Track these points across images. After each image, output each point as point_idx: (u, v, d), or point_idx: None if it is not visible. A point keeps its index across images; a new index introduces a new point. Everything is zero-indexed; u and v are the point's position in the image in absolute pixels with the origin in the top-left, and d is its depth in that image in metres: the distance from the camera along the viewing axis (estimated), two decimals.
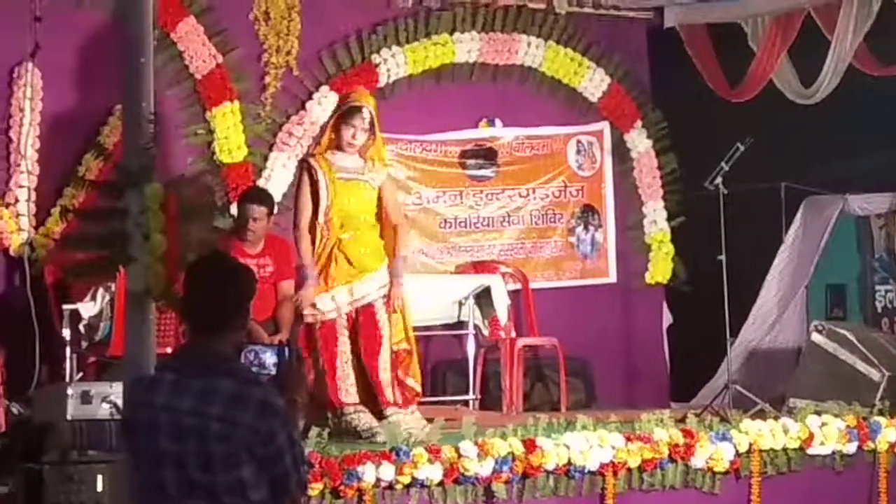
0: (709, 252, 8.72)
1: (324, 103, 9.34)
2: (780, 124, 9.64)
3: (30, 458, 5.92)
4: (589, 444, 6.93)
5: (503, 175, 10.14)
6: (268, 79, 9.23)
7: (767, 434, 7.49)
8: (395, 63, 9.60)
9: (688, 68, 10.16)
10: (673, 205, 10.60)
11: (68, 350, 7.68)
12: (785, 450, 7.57)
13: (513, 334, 9.10)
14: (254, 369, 4.10)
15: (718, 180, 8.61)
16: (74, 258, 6.16)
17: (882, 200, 10.08)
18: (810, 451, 7.64)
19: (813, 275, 10.41)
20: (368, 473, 6.27)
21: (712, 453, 7.27)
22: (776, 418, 7.80)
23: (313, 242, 7.24)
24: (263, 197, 8.31)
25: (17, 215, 8.26)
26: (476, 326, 8.91)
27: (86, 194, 8.22)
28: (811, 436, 7.62)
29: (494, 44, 9.98)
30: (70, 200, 8.34)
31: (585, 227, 10.41)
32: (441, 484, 6.53)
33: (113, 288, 7.51)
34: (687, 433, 7.26)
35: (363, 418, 7.11)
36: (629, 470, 7.06)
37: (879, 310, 10.22)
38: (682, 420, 7.62)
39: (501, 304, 8.89)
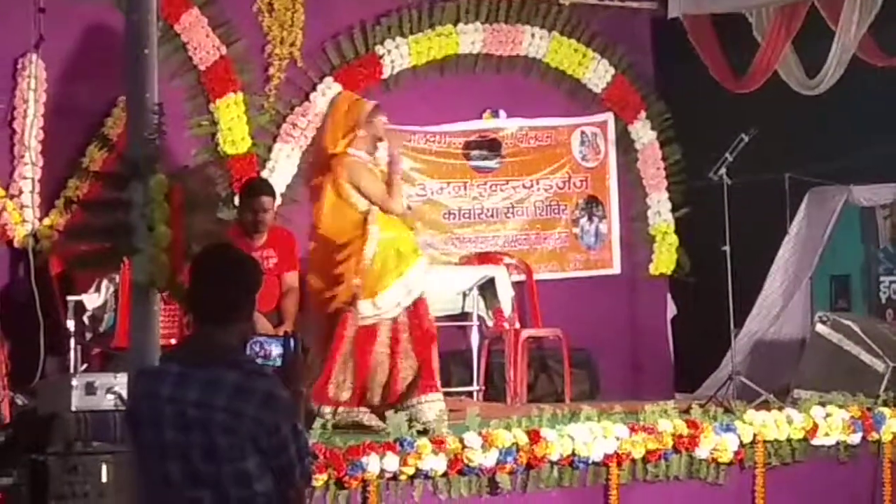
0: (713, 243, 8.71)
1: (328, 94, 9.33)
2: (784, 115, 9.62)
3: (34, 449, 5.92)
4: (593, 434, 6.93)
5: (507, 166, 10.13)
6: (272, 70, 9.22)
7: (772, 425, 7.50)
8: (398, 54, 9.59)
9: (692, 59, 10.14)
10: (677, 196, 10.59)
11: (73, 341, 7.68)
12: (789, 441, 7.58)
13: (517, 325, 9.10)
14: (259, 360, 4.10)
15: (722, 171, 8.61)
16: (79, 249, 6.15)
17: (887, 191, 10.06)
18: (814, 441, 7.65)
19: (817, 266, 10.40)
20: (373, 464, 6.28)
21: (716, 444, 7.28)
22: (780, 409, 7.80)
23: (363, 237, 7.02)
24: (267, 188, 8.33)
25: (22, 207, 8.26)
26: (480, 317, 8.90)
27: (90, 185, 8.22)
28: (815, 427, 7.62)
29: (498, 35, 9.97)
30: (74, 192, 8.34)
31: (589, 219, 10.41)
32: (445, 475, 6.54)
33: (117, 279, 7.51)
34: (691, 424, 7.27)
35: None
36: (633, 461, 7.07)
37: (884, 300, 10.20)
38: (687, 411, 7.62)
39: (505, 296, 8.89)
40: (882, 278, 10.25)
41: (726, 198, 8.57)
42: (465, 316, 8.94)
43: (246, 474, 3.84)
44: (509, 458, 6.66)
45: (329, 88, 9.34)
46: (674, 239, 10.56)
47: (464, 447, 6.55)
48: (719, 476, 7.36)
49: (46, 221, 8.30)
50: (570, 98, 10.37)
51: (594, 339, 9.89)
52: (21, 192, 8.28)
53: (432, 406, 6.97)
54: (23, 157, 8.25)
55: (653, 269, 10.57)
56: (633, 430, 7.07)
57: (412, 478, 6.47)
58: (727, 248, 8.51)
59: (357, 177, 7.04)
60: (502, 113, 10.15)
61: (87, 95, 8.47)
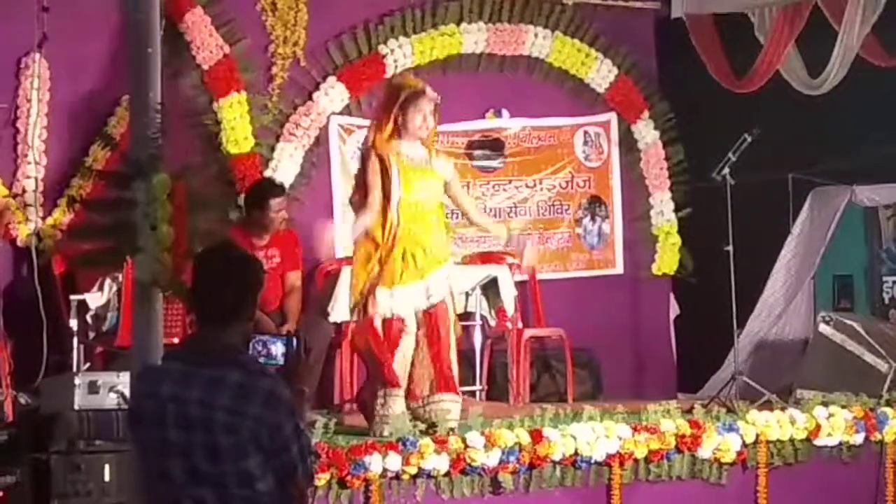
0: (716, 243, 8.70)
1: (331, 94, 9.34)
2: (787, 115, 9.62)
3: (37, 447, 5.93)
4: (595, 434, 6.93)
5: (510, 166, 10.13)
6: (275, 69, 9.22)
7: (774, 425, 7.50)
8: (402, 54, 9.59)
9: (695, 59, 10.13)
10: (680, 196, 10.58)
11: (76, 340, 7.68)
12: (792, 441, 7.58)
13: (519, 325, 9.10)
14: (262, 360, 4.11)
15: (726, 171, 8.60)
16: (82, 248, 6.17)
17: (890, 191, 10.07)
18: (817, 442, 7.65)
19: (820, 266, 10.40)
20: (375, 464, 6.29)
21: (719, 444, 7.28)
22: (783, 409, 7.80)
23: (382, 226, 6.92)
24: (281, 188, 8.34)
25: (25, 206, 8.27)
26: (483, 317, 8.90)
27: (93, 184, 8.23)
28: (818, 427, 7.62)
29: (501, 34, 9.97)
30: (77, 191, 8.34)
31: (592, 218, 10.41)
32: (448, 474, 6.54)
33: (120, 278, 7.51)
34: (694, 424, 7.27)
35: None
36: (636, 461, 7.07)
37: (887, 301, 10.20)
38: (689, 411, 7.62)
39: (508, 295, 8.88)
40: (885, 278, 10.25)
41: (729, 198, 8.56)
42: (467, 315, 8.92)
43: (248, 474, 3.84)
44: (512, 458, 6.66)
45: (332, 88, 9.34)
46: (677, 239, 10.56)
47: (466, 447, 6.55)
48: (722, 476, 7.36)
49: (50, 220, 8.30)
50: (573, 98, 10.36)
51: (597, 339, 9.89)
52: (24, 190, 8.29)
53: (451, 406, 6.96)
54: (26, 156, 8.26)
55: (655, 269, 10.57)
56: (635, 429, 7.07)
57: (415, 477, 6.47)
58: (730, 248, 8.51)
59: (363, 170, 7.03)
60: (505, 113, 10.15)
61: (91, 94, 8.48)
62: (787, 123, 9.56)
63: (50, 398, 6.38)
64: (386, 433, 6.72)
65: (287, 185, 8.95)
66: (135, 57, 4.87)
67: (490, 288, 8.93)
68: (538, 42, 10.09)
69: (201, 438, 3.84)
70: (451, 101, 9.82)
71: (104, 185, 7.89)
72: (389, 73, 9.53)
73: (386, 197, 6.92)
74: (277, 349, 4.19)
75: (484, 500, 6.72)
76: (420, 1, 9.73)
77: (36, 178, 8.28)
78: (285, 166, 9.15)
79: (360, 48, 9.50)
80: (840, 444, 7.74)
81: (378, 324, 6.90)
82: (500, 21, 9.96)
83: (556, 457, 6.80)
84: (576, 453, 6.86)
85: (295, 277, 8.19)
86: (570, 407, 7.82)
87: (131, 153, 4.83)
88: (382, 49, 9.53)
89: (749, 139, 8.57)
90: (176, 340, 6.51)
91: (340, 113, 9.44)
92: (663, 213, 10.57)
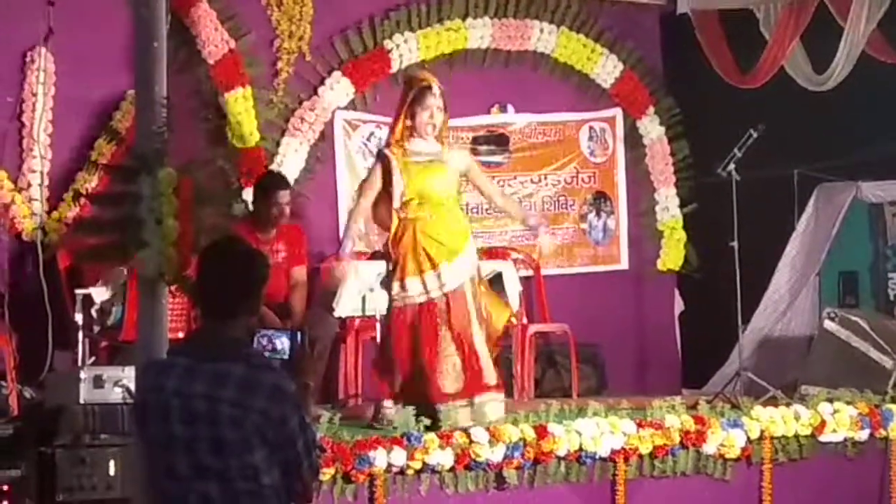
0: (721, 239, 8.70)
1: (336, 89, 9.35)
2: (793, 111, 9.60)
3: (42, 442, 5.94)
4: (600, 430, 6.93)
5: (515, 161, 10.13)
6: (280, 64, 9.22)
7: (779, 421, 7.49)
8: (407, 49, 9.59)
9: (701, 55, 10.12)
10: (685, 191, 10.58)
11: (81, 334, 7.67)
12: (797, 437, 7.57)
13: (524, 321, 9.11)
14: (267, 354, 4.12)
15: (731, 167, 8.58)
16: (87, 243, 6.16)
17: (895, 187, 10.06)
18: (822, 438, 7.64)
19: (825, 262, 10.38)
20: (380, 459, 6.29)
21: (724, 440, 7.27)
22: (788, 405, 7.79)
23: (389, 228, 7.01)
24: (285, 182, 8.34)
25: (30, 200, 8.27)
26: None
27: (99, 179, 8.24)
28: (823, 423, 7.62)
29: (507, 29, 9.97)
30: (83, 185, 8.34)
31: (597, 214, 10.41)
32: (452, 470, 6.54)
33: (126, 273, 7.52)
34: (698, 420, 7.27)
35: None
36: (640, 456, 7.06)
37: (892, 297, 10.19)
38: (694, 407, 7.61)
39: (513, 291, 8.87)
40: (890, 275, 10.24)
41: (734, 194, 8.56)
42: None
43: (253, 467, 3.84)
44: (516, 454, 6.66)
45: (337, 83, 9.35)
46: (682, 235, 10.55)
47: (471, 442, 6.55)
48: (726, 472, 7.35)
49: (55, 215, 8.31)
50: (578, 93, 10.36)
51: (602, 335, 9.89)
52: (30, 185, 8.29)
53: (494, 407, 6.96)
54: (31, 150, 8.26)
55: (660, 265, 10.57)
56: (640, 425, 7.07)
57: (419, 472, 6.47)
58: (735, 243, 8.50)
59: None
60: (510, 108, 10.15)
61: (96, 89, 8.48)
62: (793, 119, 9.54)
63: (55, 392, 6.39)
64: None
65: (292, 180, 8.96)
66: (140, 51, 4.87)
67: (495, 283, 8.91)
68: (544, 37, 10.09)
69: (206, 432, 3.84)
70: (457, 96, 9.77)
71: (110, 180, 7.91)
72: (395, 68, 9.54)
73: (390, 196, 6.98)
74: (282, 343, 4.20)
75: (488, 496, 6.71)
76: None
77: (41, 173, 8.28)
78: (290, 161, 9.15)
79: (366, 43, 9.50)
80: (845, 440, 7.73)
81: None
82: (506, 16, 9.96)
83: (561, 452, 6.80)
84: (580, 449, 6.85)
85: (300, 272, 8.19)
86: (575, 402, 7.81)
87: (137, 147, 4.84)
88: (388, 44, 9.53)
89: (755, 135, 8.55)
90: (181, 335, 6.51)
91: (345, 108, 9.44)
92: (668, 208, 10.57)
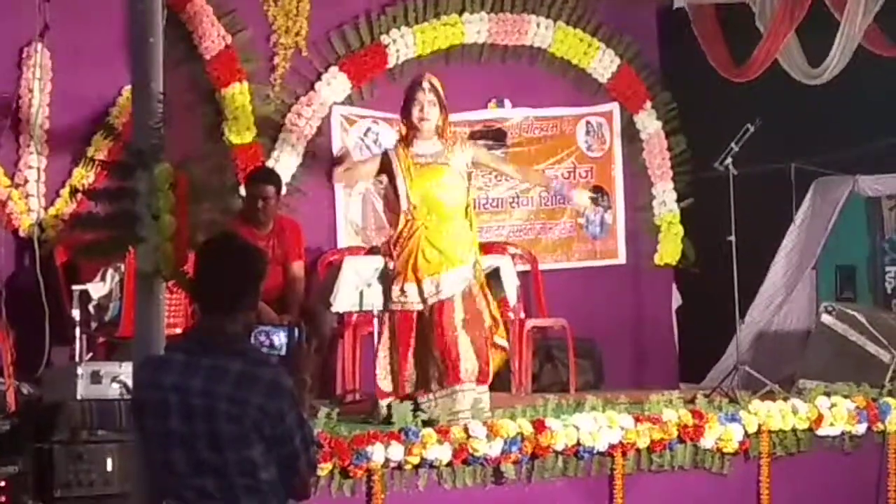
0: (718, 233, 8.71)
1: (333, 84, 9.34)
2: (790, 105, 9.60)
3: (40, 437, 5.94)
4: (598, 424, 6.93)
5: (512, 156, 10.10)
6: (277, 59, 9.21)
7: (776, 415, 7.50)
8: (404, 44, 9.58)
9: (698, 49, 10.11)
10: (682, 186, 10.58)
11: (78, 330, 7.68)
12: (794, 431, 7.58)
13: (522, 315, 9.10)
14: (264, 349, 4.12)
15: (728, 161, 8.59)
16: (84, 238, 6.16)
17: (893, 181, 10.06)
18: (819, 432, 7.65)
19: (823, 256, 10.39)
20: (377, 454, 6.29)
21: (721, 434, 7.27)
22: (785, 399, 7.80)
23: (396, 226, 7.06)
24: (272, 176, 8.33)
25: (27, 196, 8.27)
26: None
27: (95, 174, 8.22)
28: (820, 417, 7.62)
29: (504, 24, 9.96)
30: (79, 181, 8.33)
31: (595, 208, 10.39)
32: (450, 464, 6.55)
33: (122, 268, 7.52)
34: (696, 414, 7.27)
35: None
36: (638, 451, 7.07)
37: (889, 291, 10.20)
38: (692, 401, 7.62)
39: (511, 285, 8.83)
40: (887, 268, 10.25)
41: (732, 188, 8.56)
42: None
43: (251, 463, 3.84)
44: (514, 448, 6.66)
45: (334, 78, 9.34)
46: (679, 229, 10.55)
47: (469, 437, 6.55)
48: (724, 466, 7.36)
49: (52, 210, 8.31)
50: (575, 88, 10.36)
51: (599, 329, 9.90)
52: (26, 181, 8.29)
53: (466, 397, 6.95)
54: (28, 146, 8.26)
55: (658, 260, 10.57)
56: (637, 420, 7.07)
57: (417, 467, 6.47)
58: (732, 238, 8.51)
59: None
60: (507, 102, 10.14)
61: (93, 84, 8.47)
62: (790, 113, 9.54)
63: (52, 388, 6.39)
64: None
65: (289, 176, 8.96)
66: (137, 47, 4.86)
67: (492, 278, 8.91)
68: (540, 32, 10.08)
69: (204, 428, 3.84)
70: (453, 91, 9.74)
71: (106, 175, 7.89)
72: (391, 63, 9.53)
73: (397, 196, 7.04)
74: (280, 339, 4.21)
75: (486, 491, 6.72)
76: None
77: (38, 168, 8.28)
78: (287, 156, 9.14)
79: (363, 38, 9.50)
80: (842, 434, 7.74)
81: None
82: (503, 11, 9.95)
83: (559, 447, 6.80)
84: (578, 443, 6.86)
85: (297, 267, 8.18)
86: (573, 397, 7.82)
87: (133, 143, 4.83)
88: (384, 39, 9.52)
89: (752, 129, 8.56)
90: (178, 330, 6.51)
91: (342, 103, 9.43)
92: (665, 203, 10.57)
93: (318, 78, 9.36)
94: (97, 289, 7.80)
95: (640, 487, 7.12)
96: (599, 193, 10.40)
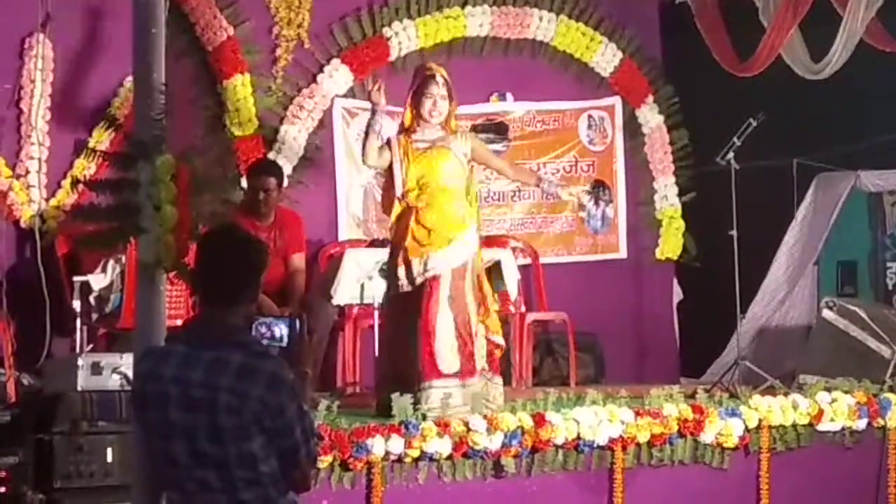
0: (720, 228, 8.70)
1: (335, 76, 9.33)
2: (792, 100, 9.60)
3: (40, 428, 5.93)
4: (598, 418, 6.93)
5: (514, 149, 10.12)
6: (279, 51, 9.20)
7: (777, 410, 7.49)
8: (406, 36, 9.57)
9: (700, 43, 10.10)
10: (684, 180, 10.58)
11: (79, 322, 7.68)
12: (794, 426, 7.57)
13: (523, 309, 9.11)
14: (265, 341, 4.12)
15: (730, 156, 8.59)
16: (85, 229, 6.16)
17: (894, 177, 10.06)
18: (820, 427, 7.64)
19: (824, 251, 10.39)
20: (377, 446, 6.28)
21: (721, 429, 7.27)
22: (786, 394, 7.79)
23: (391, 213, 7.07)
24: (273, 168, 8.33)
25: (28, 187, 8.26)
26: None
27: (97, 166, 8.22)
28: (821, 412, 7.61)
29: (506, 17, 9.95)
30: (81, 172, 8.33)
31: (596, 203, 10.40)
32: (450, 458, 6.53)
33: (123, 260, 7.51)
34: (696, 409, 7.26)
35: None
36: (638, 445, 7.06)
37: (891, 286, 10.21)
38: (692, 396, 7.61)
39: (511, 279, 8.86)
40: (889, 264, 10.26)
41: (734, 182, 8.56)
42: None
43: (251, 455, 3.84)
44: (514, 442, 6.65)
45: (336, 70, 9.34)
46: (680, 223, 10.55)
47: (469, 430, 6.54)
48: (724, 461, 7.35)
49: (53, 202, 8.31)
50: (577, 81, 10.35)
51: (600, 323, 9.89)
52: (28, 171, 8.28)
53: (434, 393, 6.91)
54: (29, 136, 8.25)
55: (659, 254, 10.57)
56: (638, 414, 7.06)
57: (417, 460, 6.46)
58: (734, 232, 8.50)
59: None
60: (509, 96, 10.14)
61: (94, 75, 8.47)
62: (793, 108, 9.54)
63: (53, 379, 6.39)
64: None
65: (290, 168, 8.96)
66: (139, 38, 4.84)
67: (493, 271, 8.91)
68: (543, 25, 10.08)
69: (204, 420, 3.84)
70: (455, 84, 9.78)
71: (108, 166, 7.88)
72: (393, 55, 9.53)
73: (393, 180, 7.00)
74: (281, 331, 4.20)
75: (486, 484, 6.71)
76: None
77: (39, 160, 8.27)
78: (289, 149, 9.14)
79: (365, 30, 9.49)
80: (843, 429, 7.73)
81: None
82: (505, 4, 9.94)
83: (559, 441, 6.79)
84: (578, 437, 6.85)
85: (298, 259, 8.18)
86: (573, 391, 7.82)
87: (135, 134, 4.81)
88: (386, 31, 9.52)
89: (754, 124, 8.55)
90: (179, 322, 6.50)
91: (344, 95, 9.43)
92: (667, 197, 10.57)
93: (321, 70, 9.35)
94: (98, 280, 7.80)
95: (640, 481, 7.12)
96: (601, 187, 10.41)
